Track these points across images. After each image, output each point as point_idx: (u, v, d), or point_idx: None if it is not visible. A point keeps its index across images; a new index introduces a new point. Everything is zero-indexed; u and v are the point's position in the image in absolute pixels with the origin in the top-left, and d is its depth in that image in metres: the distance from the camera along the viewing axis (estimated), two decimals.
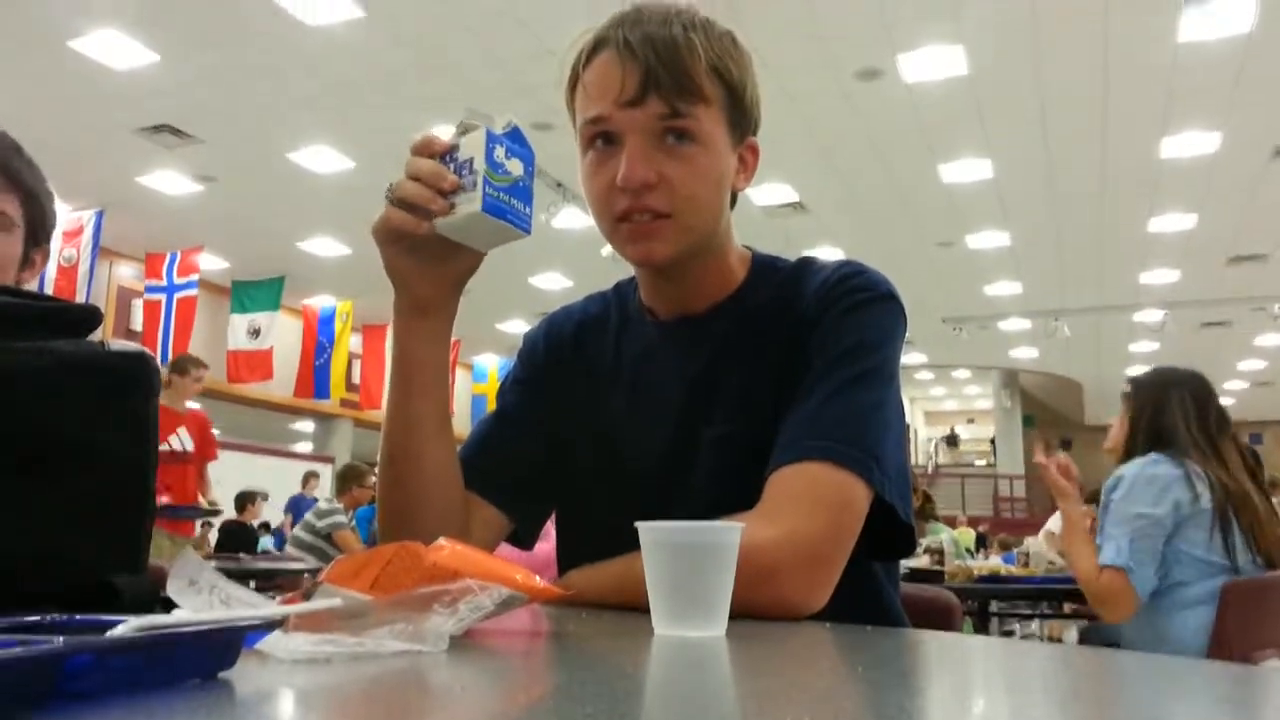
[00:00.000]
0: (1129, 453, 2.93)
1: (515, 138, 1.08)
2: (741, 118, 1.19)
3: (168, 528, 6.15)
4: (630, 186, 1.11)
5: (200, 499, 6.41)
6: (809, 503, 1.06)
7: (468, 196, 1.05)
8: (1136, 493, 2.76)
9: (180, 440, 6.28)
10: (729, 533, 0.83)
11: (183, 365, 6.49)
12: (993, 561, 6.12)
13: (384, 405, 1.22)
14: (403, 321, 1.17)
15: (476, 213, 1.04)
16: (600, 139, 1.15)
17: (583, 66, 1.16)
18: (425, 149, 1.09)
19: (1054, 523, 9.23)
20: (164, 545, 6.02)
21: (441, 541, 0.82)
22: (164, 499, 5.97)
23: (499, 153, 1.05)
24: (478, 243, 1.12)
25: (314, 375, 14.15)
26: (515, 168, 1.07)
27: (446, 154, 1.08)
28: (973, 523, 15.01)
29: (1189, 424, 2.86)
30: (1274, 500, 2.94)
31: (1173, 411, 2.89)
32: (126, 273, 13.17)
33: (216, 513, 6.86)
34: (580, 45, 1.17)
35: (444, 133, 1.11)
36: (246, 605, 0.64)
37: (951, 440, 30.92)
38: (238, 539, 10.03)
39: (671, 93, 1.11)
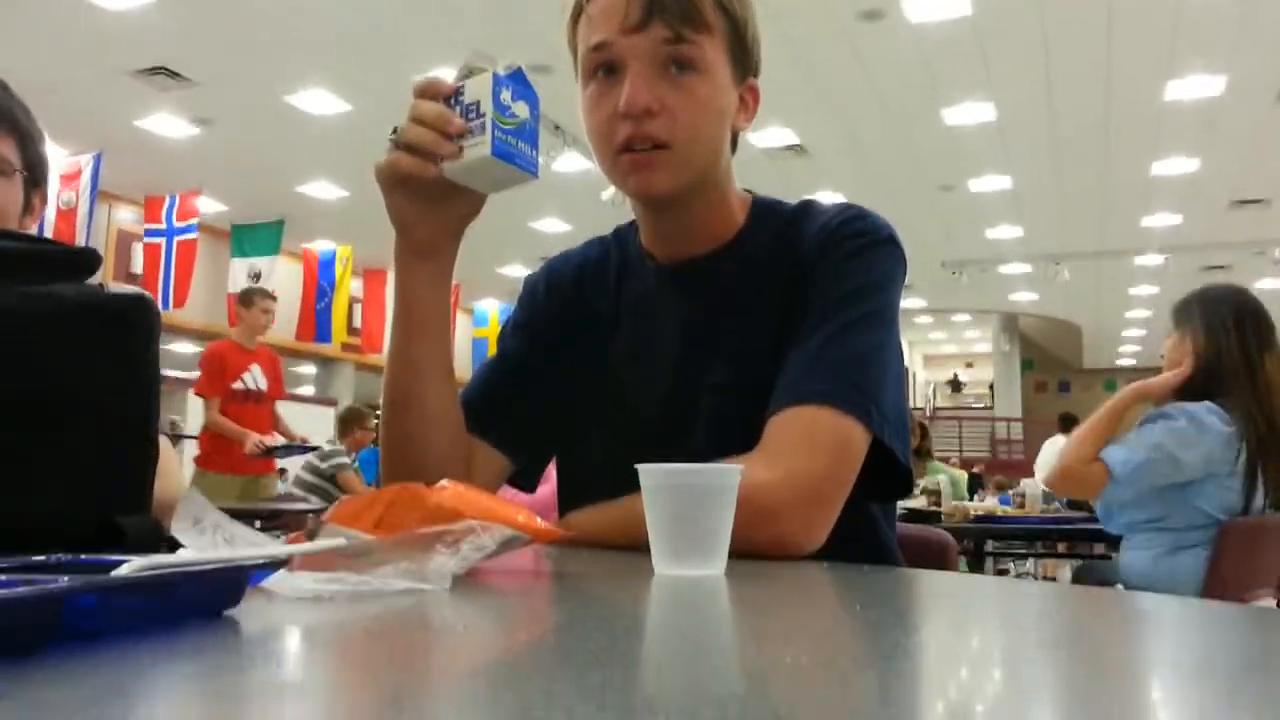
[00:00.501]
0: (1189, 388, 2.87)
1: (519, 80, 1.07)
2: (743, 54, 1.19)
3: (260, 468, 6.13)
4: (633, 112, 1.11)
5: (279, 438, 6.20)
6: (808, 444, 1.06)
7: (475, 140, 1.04)
8: (1178, 430, 2.72)
9: (254, 378, 6.03)
10: (728, 474, 0.84)
11: (247, 297, 6.20)
12: (989, 502, 6.16)
13: (386, 350, 1.22)
14: (405, 265, 1.18)
15: (485, 156, 1.03)
16: (602, 69, 1.15)
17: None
18: (429, 91, 1.08)
19: (1048, 451, 9.26)
20: (249, 485, 6.04)
21: (444, 483, 0.83)
22: (268, 439, 5.94)
23: (505, 95, 1.04)
24: (484, 186, 1.11)
25: (315, 319, 14.15)
26: (521, 110, 1.06)
27: (451, 97, 1.07)
28: (967, 464, 15.06)
29: (1230, 345, 2.80)
30: None
31: (1216, 336, 2.83)
32: (126, 216, 13.10)
33: (314, 447, 6.67)
34: None
35: (446, 76, 1.10)
36: (251, 545, 0.65)
37: (955, 386, 31.04)
38: None
39: (675, 18, 1.11)
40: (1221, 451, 2.70)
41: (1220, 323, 2.84)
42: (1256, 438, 2.70)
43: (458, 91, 1.07)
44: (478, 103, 1.04)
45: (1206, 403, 2.77)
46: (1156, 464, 2.69)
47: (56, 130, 10.56)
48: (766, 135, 10.68)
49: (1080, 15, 8.10)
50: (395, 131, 1.09)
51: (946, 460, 9.71)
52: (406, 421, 1.21)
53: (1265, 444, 2.71)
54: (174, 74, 9.33)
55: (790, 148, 11.17)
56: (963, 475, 7.34)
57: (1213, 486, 2.71)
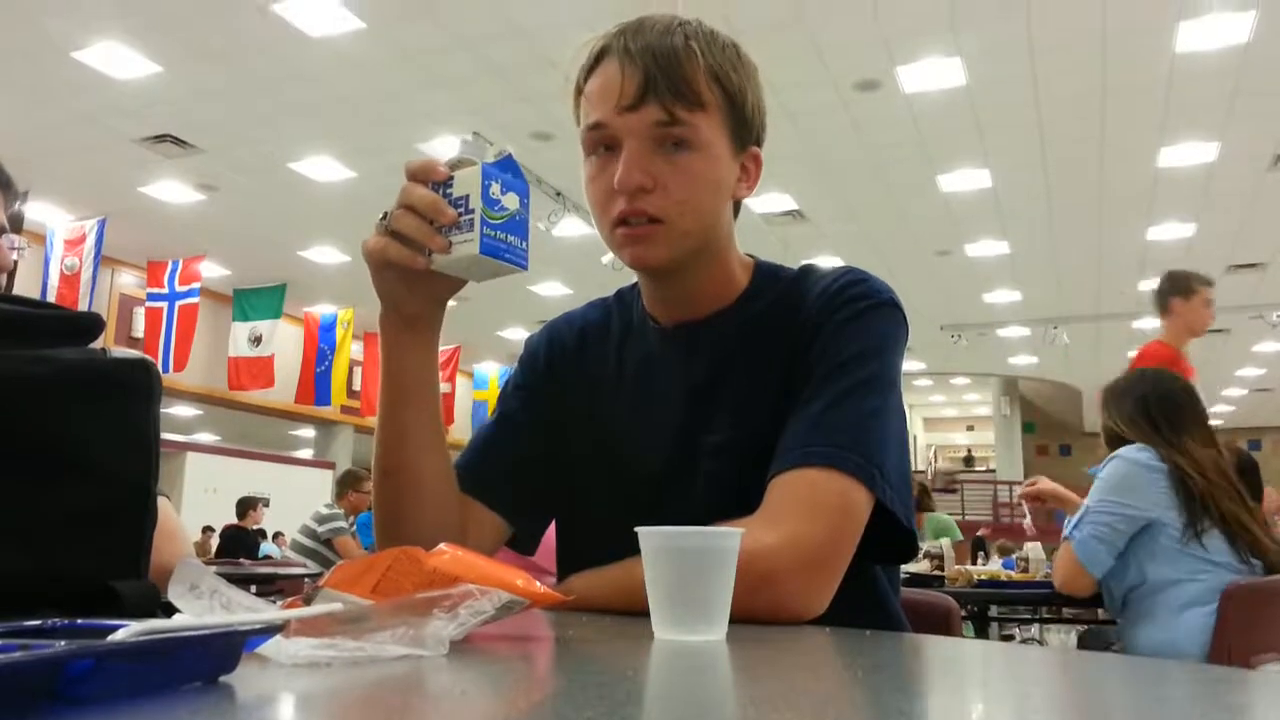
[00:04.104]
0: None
1: (509, 168, 1.06)
2: (742, 126, 1.20)
3: None
4: (626, 189, 1.12)
5: None
6: (809, 508, 1.06)
7: (464, 236, 1.03)
8: (1116, 477, 2.86)
9: None
10: (729, 537, 0.84)
11: None
12: (992, 566, 6.11)
13: (376, 418, 1.22)
14: (391, 335, 1.18)
15: (474, 255, 1.02)
16: (600, 146, 1.17)
17: (586, 75, 1.18)
18: (421, 175, 1.07)
19: None
20: None
21: (442, 547, 0.82)
22: None
23: (494, 189, 1.04)
24: (472, 277, 1.11)
25: (315, 382, 14.18)
26: (511, 202, 1.05)
27: (443, 183, 1.06)
28: (971, 528, 14.95)
29: (1147, 423, 2.96)
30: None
31: (1131, 417, 3.00)
32: (129, 280, 13.19)
33: None
34: (584, 54, 1.19)
35: (445, 146, 1.10)
36: (247, 610, 0.64)
37: (968, 461, 31.10)
38: (239, 544, 10.05)
39: (669, 98, 1.12)
40: (1165, 482, 2.81)
41: (1129, 418, 3.00)
42: (1191, 484, 2.80)
43: (448, 181, 1.06)
44: (466, 197, 1.04)
45: (1137, 444, 2.92)
46: (1107, 518, 2.82)
47: (62, 196, 10.67)
48: (765, 201, 10.79)
49: (1073, 84, 8.23)
50: (385, 216, 1.09)
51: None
52: (398, 491, 1.21)
53: (1200, 489, 2.79)
54: (180, 141, 9.45)
55: (789, 213, 11.27)
56: (950, 520, 7.34)
57: (1172, 524, 2.79)
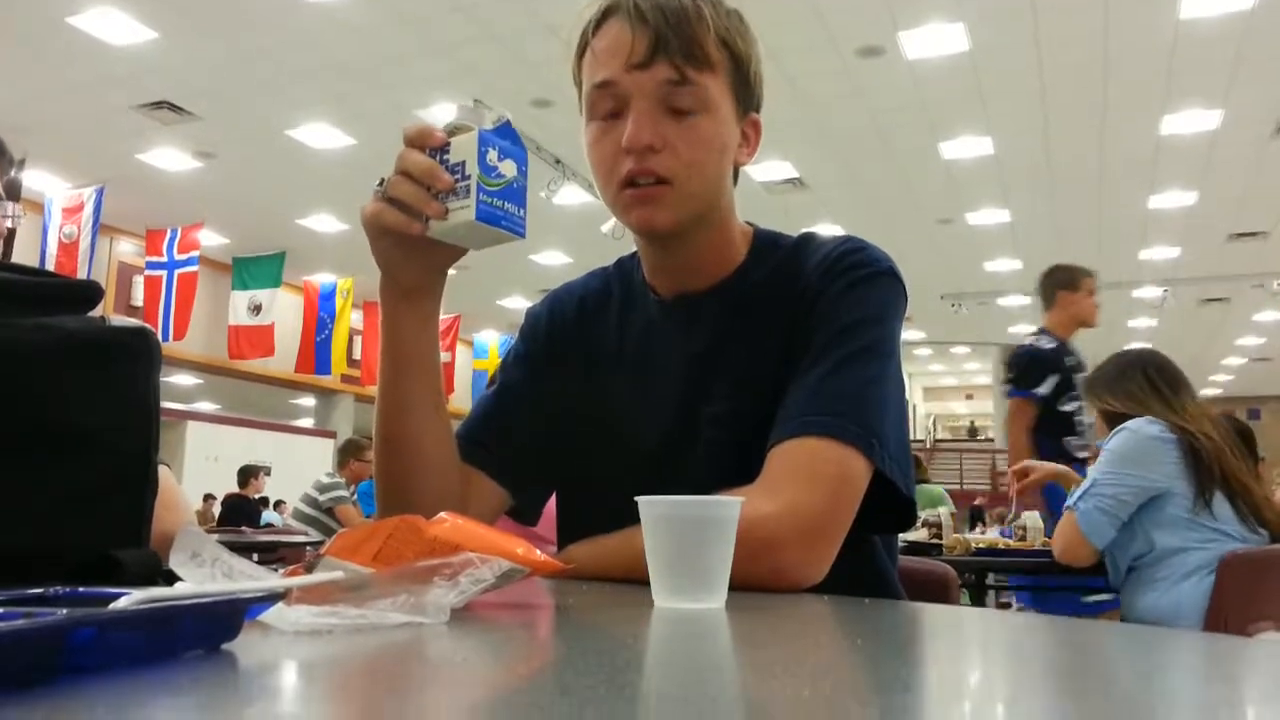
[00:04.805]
0: None
1: (506, 134, 1.05)
2: (746, 91, 1.20)
3: None
4: (636, 148, 1.12)
5: None
6: (808, 477, 1.06)
7: (461, 202, 1.02)
8: (1125, 448, 2.85)
9: None
10: (728, 506, 0.84)
11: None
12: (990, 535, 6.13)
13: (377, 387, 1.22)
14: (391, 304, 1.17)
15: (470, 221, 1.02)
16: (607, 105, 1.16)
17: (592, 33, 1.17)
18: (419, 141, 1.07)
19: None
20: None
21: (443, 515, 0.82)
22: None
23: (491, 155, 1.03)
24: (470, 245, 1.10)
25: (315, 351, 14.17)
26: (508, 169, 1.04)
27: (441, 149, 1.05)
28: (968, 496, 15.01)
29: (1151, 392, 2.96)
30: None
31: (1131, 391, 3.01)
32: (127, 249, 13.16)
33: None
34: (590, 13, 1.18)
35: (444, 112, 1.09)
36: (249, 578, 0.64)
37: (972, 433, 31.17)
38: (241, 512, 10.11)
39: (680, 57, 1.12)
40: (1175, 453, 2.81)
41: (1129, 394, 3.00)
42: (1200, 449, 2.80)
43: (445, 147, 1.05)
44: (463, 163, 1.03)
45: (1146, 417, 2.91)
46: (1115, 489, 2.81)
47: (60, 164, 10.63)
48: (766, 169, 10.75)
49: (1077, 50, 8.17)
50: (382, 183, 1.08)
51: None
52: (400, 460, 1.21)
53: (1209, 454, 2.79)
54: (177, 108, 9.40)
55: (789, 181, 11.23)
56: (940, 490, 7.40)
57: (1180, 494, 2.79)
